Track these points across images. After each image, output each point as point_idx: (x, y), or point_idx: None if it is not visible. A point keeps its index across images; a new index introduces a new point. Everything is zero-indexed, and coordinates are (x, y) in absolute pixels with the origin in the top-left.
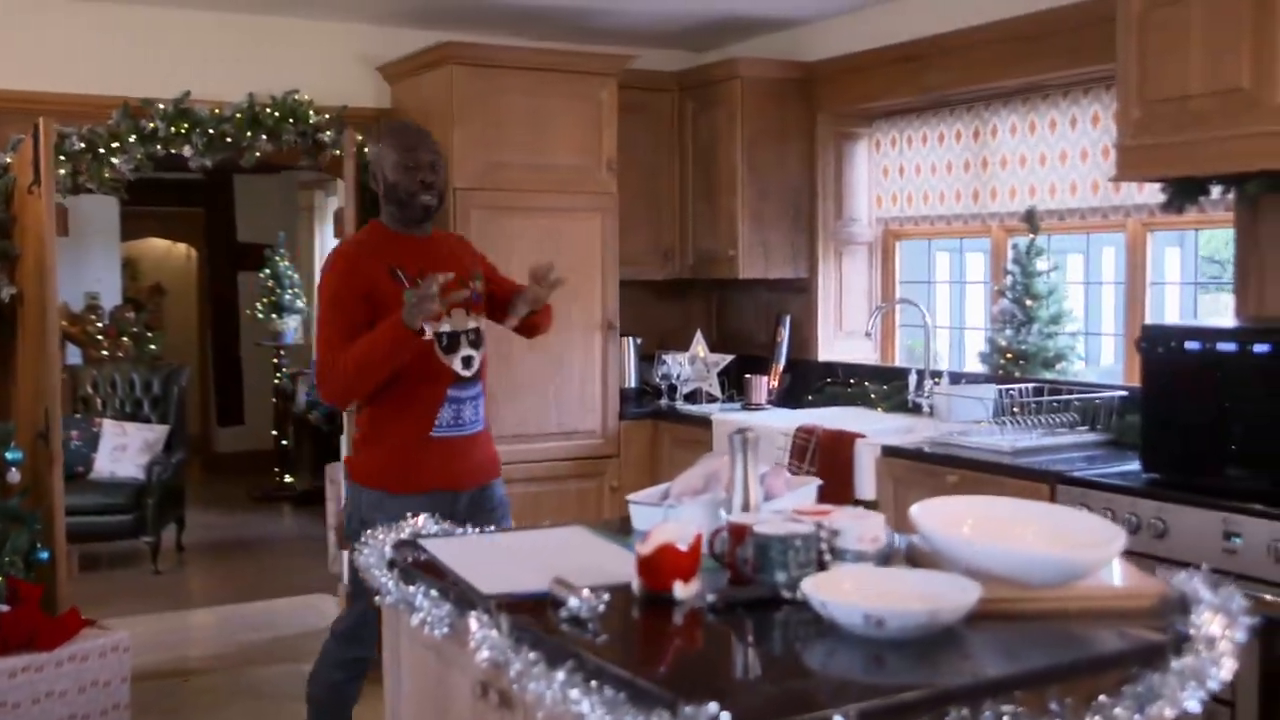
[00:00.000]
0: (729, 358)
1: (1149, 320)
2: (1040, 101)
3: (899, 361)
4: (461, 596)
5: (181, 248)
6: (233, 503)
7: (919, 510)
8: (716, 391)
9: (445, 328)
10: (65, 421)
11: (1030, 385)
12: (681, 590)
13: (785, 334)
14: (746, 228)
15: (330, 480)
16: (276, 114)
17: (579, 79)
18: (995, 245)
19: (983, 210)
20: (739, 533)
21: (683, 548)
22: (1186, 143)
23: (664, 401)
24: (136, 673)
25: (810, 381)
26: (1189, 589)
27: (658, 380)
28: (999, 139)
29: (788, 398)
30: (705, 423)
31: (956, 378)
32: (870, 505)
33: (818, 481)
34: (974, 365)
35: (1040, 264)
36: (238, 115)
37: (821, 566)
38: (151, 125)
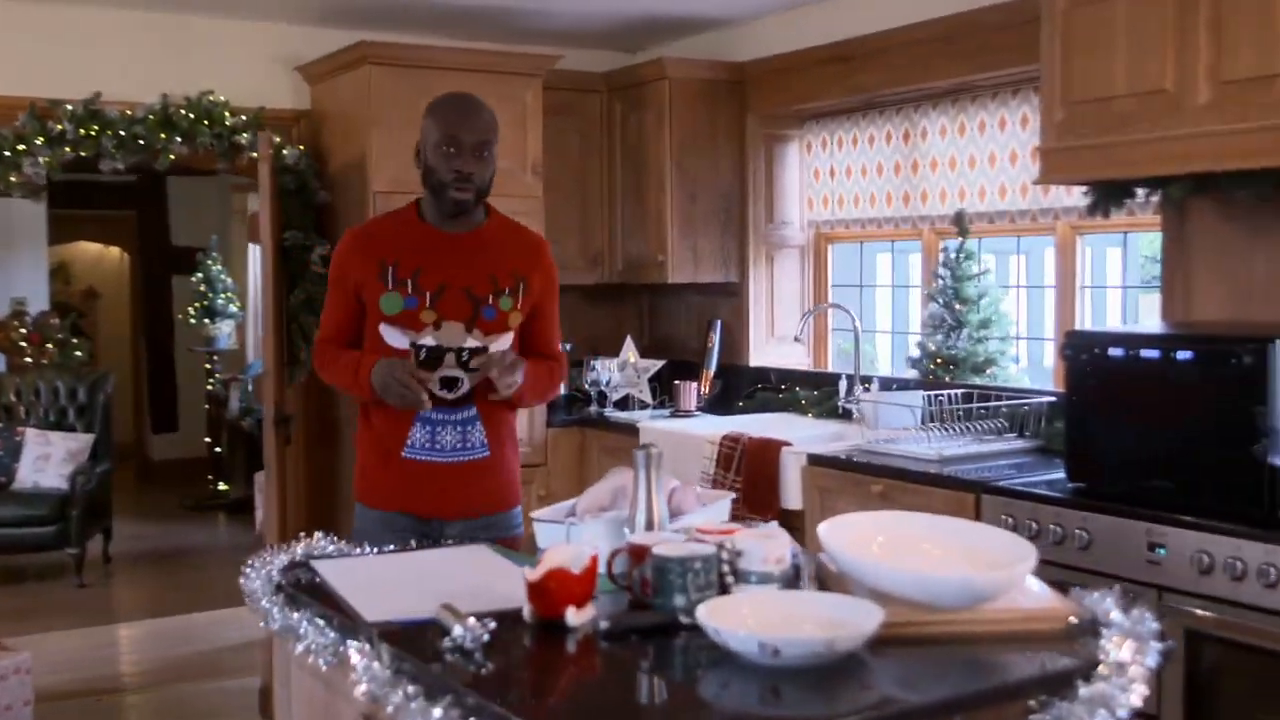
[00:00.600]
0: (659, 363)
1: (1080, 324)
2: (970, 103)
3: (833, 367)
4: (346, 624)
5: (115, 251)
6: (165, 512)
7: (827, 528)
8: (647, 398)
9: (427, 340)
10: None
11: (959, 391)
12: (574, 616)
13: (716, 339)
14: (676, 232)
15: (259, 488)
16: (191, 116)
17: (502, 80)
18: (927, 248)
19: (913, 213)
20: (639, 554)
21: (575, 571)
22: (1110, 145)
23: (593, 408)
24: (49, 693)
25: (742, 387)
26: (1101, 610)
27: (587, 387)
28: (929, 141)
29: (719, 404)
30: (633, 430)
31: (889, 383)
32: (796, 514)
33: (730, 496)
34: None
35: (971, 267)
36: (150, 117)
37: (724, 589)
38: (59, 127)
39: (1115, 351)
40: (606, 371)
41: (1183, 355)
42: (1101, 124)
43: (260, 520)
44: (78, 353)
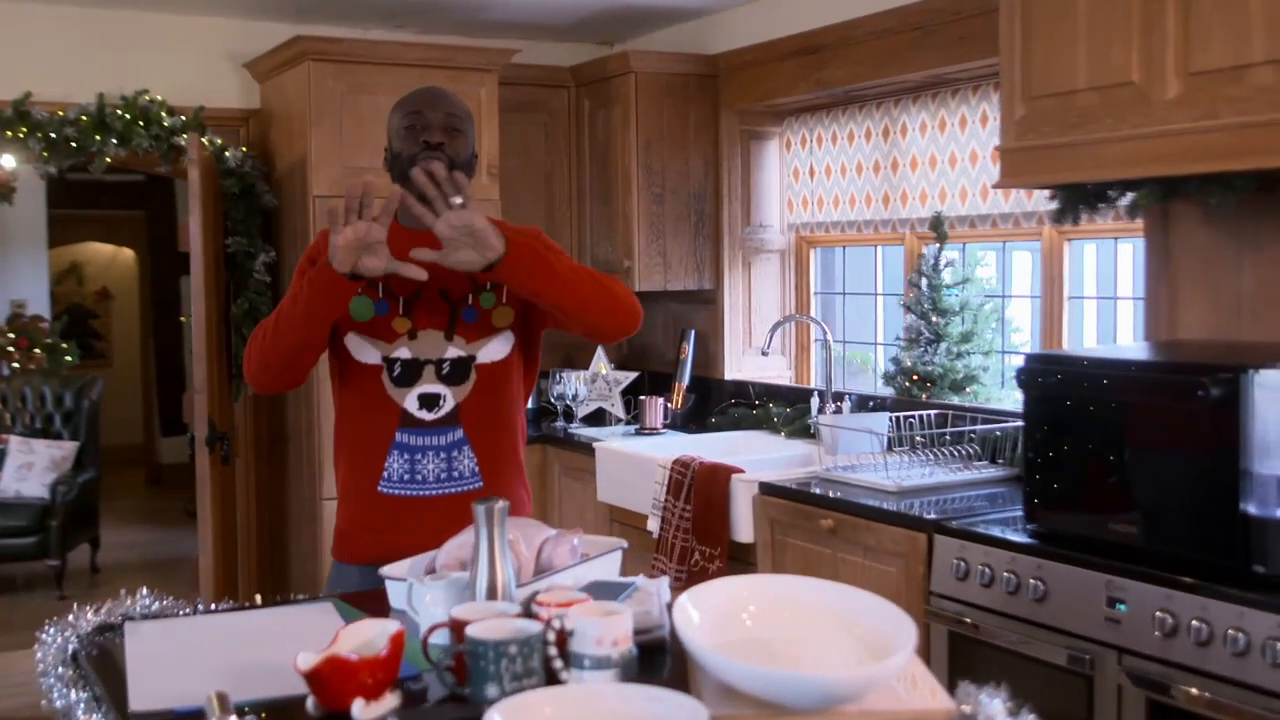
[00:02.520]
0: (633, 375)
1: (1067, 339)
2: (950, 97)
3: (818, 381)
4: (114, 710)
5: (128, 253)
6: (169, 518)
7: (688, 598)
8: (620, 412)
9: (402, 353)
10: None
11: (933, 413)
12: (362, 711)
13: (690, 350)
14: (642, 236)
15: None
16: (127, 116)
17: (454, 75)
18: (909, 254)
19: (894, 216)
20: (460, 630)
21: (365, 655)
22: (1072, 145)
23: (559, 423)
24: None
25: (716, 402)
26: (984, 715)
27: (553, 400)
28: (909, 138)
29: (690, 420)
30: (591, 449)
31: (866, 401)
32: (749, 548)
33: (622, 545)
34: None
35: (948, 276)
36: (83, 118)
37: (551, 677)
38: None
39: (1075, 378)
40: (573, 384)
41: (1145, 385)
42: (1063, 121)
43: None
44: (68, 357)
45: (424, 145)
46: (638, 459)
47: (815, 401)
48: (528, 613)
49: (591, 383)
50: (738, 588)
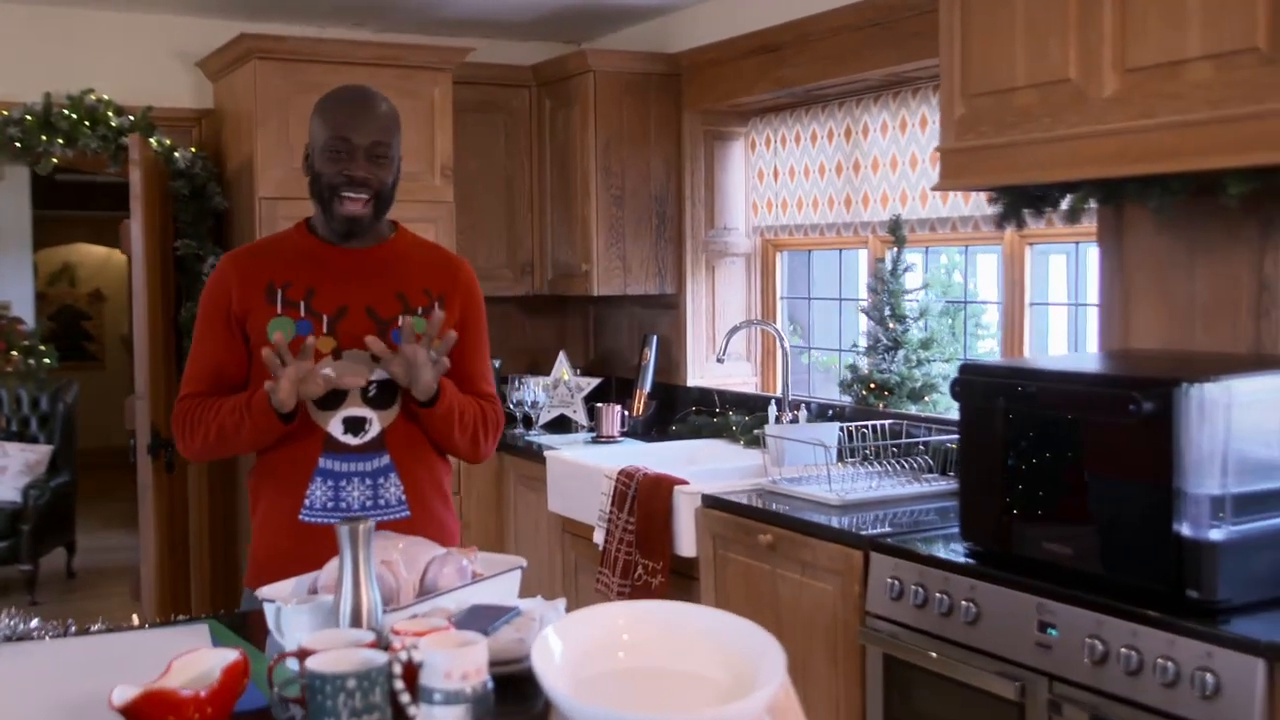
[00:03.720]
0: (595, 381)
1: (1029, 346)
2: (911, 96)
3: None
4: None
5: (122, 254)
6: None
7: (555, 629)
8: (584, 419)
9: (326, 372)
10: None
11: (887, 423)
12: None
13: (652, 356)
14: (601, 240)
15: None
16: (74, 116)
17: (406, 74)
18: (873, 258)
19: (855, 219)
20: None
21: (181, 693)
22: (1010, 145)
23: (519, 430)
24: None
25: (678, 409)
26: None
27: (512, 407)
28: (870, 139)
29: (650, 428)
30: (543, 458)
31: (825, 410)
32: (692, 562)
33: (520, 565)
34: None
35: (909, 280)
36: (28, 117)
37: (399, 712)
38: None
39: (1008, 390)
40: (532, 390)
41: (1077, 399)
42: (1001, 120)
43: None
44: (46, 360)
45: (347, 180)
46: (585, 468)
47: (772, 409)
48: (384, 642)
49: (553, 389)
50: (615, 615)
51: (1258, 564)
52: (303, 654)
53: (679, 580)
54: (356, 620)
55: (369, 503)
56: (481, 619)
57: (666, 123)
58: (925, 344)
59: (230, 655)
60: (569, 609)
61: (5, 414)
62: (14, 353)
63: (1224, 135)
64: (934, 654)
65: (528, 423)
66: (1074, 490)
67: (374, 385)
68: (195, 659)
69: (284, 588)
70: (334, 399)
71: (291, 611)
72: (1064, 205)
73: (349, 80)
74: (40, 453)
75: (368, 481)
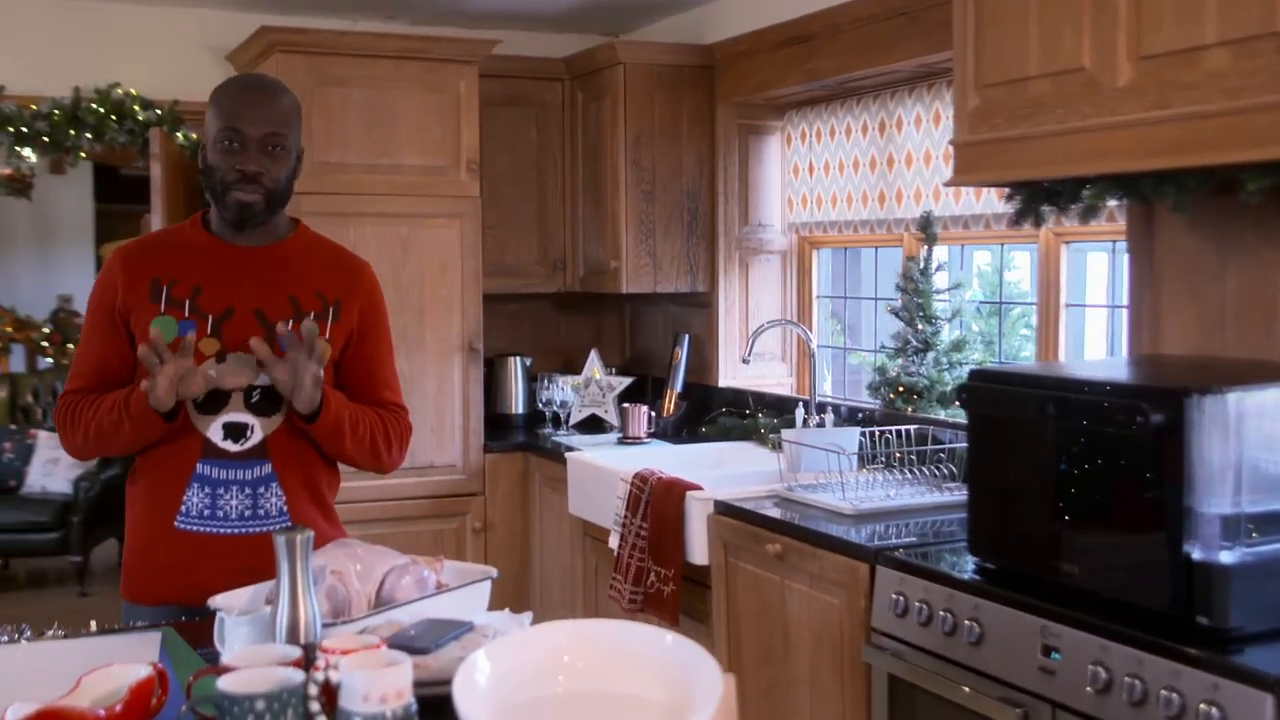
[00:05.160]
0: (626, 381)
1: (1064, 351)
2: (945, 88)
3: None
4: None
5: None
6: None
7: (492, 649)
8: (614, 419)
9: (209, 370)
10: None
11: (912, 428)
12: None
13: (683, 355)
14: (630, 236)
15: None
16: (101, 110)
17: (431, 67)
18: (907, 255)
19: (889, 215)
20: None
21: (83, 712)
22: (1022, 138)
23: (547, 430)
24: None
25: (709, 410)
26: None
27: (541, 406)
28: (904, 132)
29: (679, 429)
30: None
31: (854, 413)
32: (705, 570)
33: (490, 575)
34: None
35: (939, 280)
36: (56, 112)
37: None
38: None
39: (1016, 399)
40: (561, 389)
41: (1085, 409)
42: (1014, 112)
43: None
44: None
45: (240, 175)
46: (602, 471)
47: (799, 412)
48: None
49: (584, 388)
50: (558, 636)
51: (1273, 589)
52: (222, 671)
53: (691, 588)
54: (294, 634)
55: (248, 512)
56: (429, 634)
57: (699, 116)
58: (957, 346)
59: (141, 672)
60: (586, 614)
61: None
62: (70, 345)
63: (1240, 127)
64: (937, 675)
65: (556, 422)
66: (1082, 505)
67: (258, 390)
68: (106, 675)
69: (240, 596)
70: (215, 403)
71: (232, 624)
72: (1079, 202)
73: (374, 72)
74: None
75: (247, 490)
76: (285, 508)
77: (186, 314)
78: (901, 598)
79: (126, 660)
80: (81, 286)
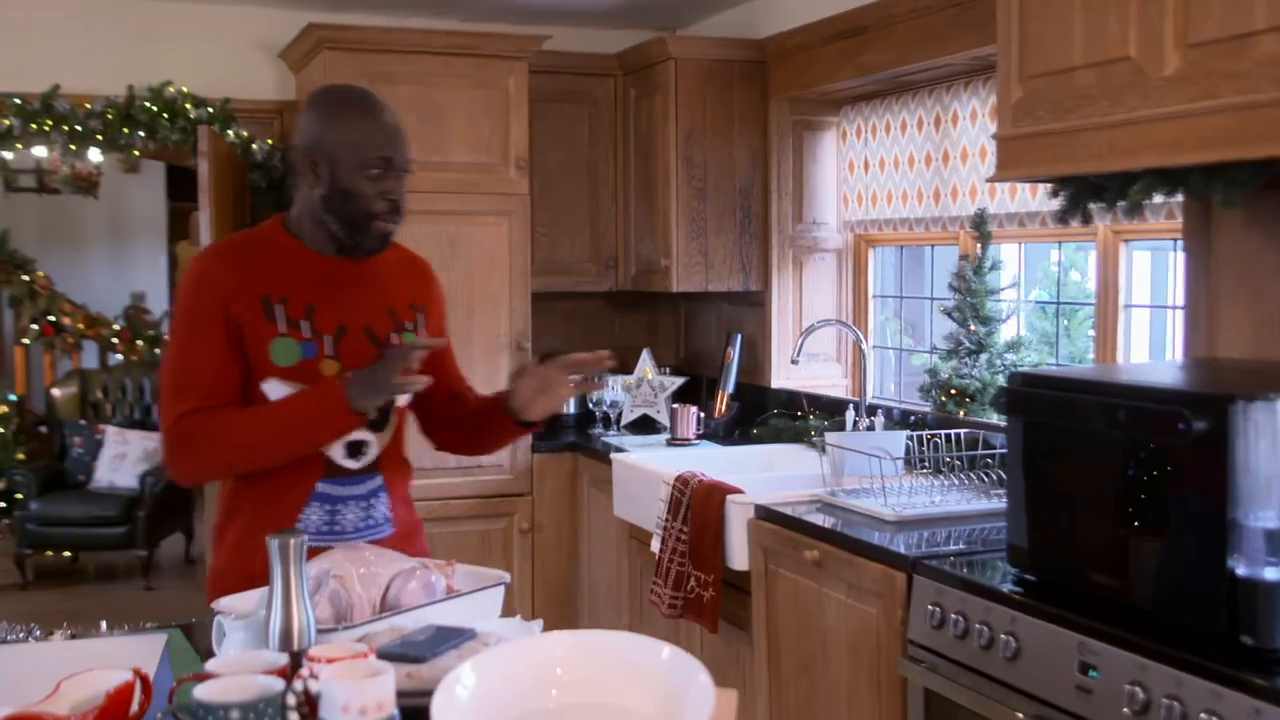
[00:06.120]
0: (678, 381)
1: (1125, 353)
2: None
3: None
4: None
5: None
6: None
7: (481, 661)
8: (665, 420)
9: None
10: (69, 427)
11: (962, 432)
12: None
13: (735, 355)
14: (681, 234)
15: None
16: (154, 108)
17: (480, 63)
18: (964, 254)
19: (944, 213)
20: None
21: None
22: (1066, 131)
23: (598, 430)
24: None
25: (761, 412)
26: None
27: (591, 406)
28: (960, 127)
29: (732, 430)
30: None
31: (908, 415)
32: (746, 575)
33: (503, 580)
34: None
35: (994, 279)
36: (109, 111)
37: None
38: (5, 122)
39: (1059, 403)
40: (612, 389)
41: (1125, 414)
42: (1059, 104)
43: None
44: None
45: (390, 205)
46: (645, 472)
47: (850, 414)
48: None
49: (635, 388)
50: (555, 648)
51: None
52: (202, 678)
53: (731, 593)
54: (287, 641)
55: (361, 524)
56: (428, 643)
57: (752, 112)
58: (1012, 347)
59: (120, 677)
60: (631, 618)
61: (128, 402)
62: (139, 341)
63: None
64: (973, 691)
65: (607, 423)
66: (1123, 516)
67: (375, 409)
68: (86, 680)
69: (248, 599)
70: None
71: (230, 627)
72: (1126, 198)
73: (422, 69)
74: (158, 440)
75: (362, 503)
76: (390, 514)
77: (307, 335)
78: (938, 609)
79: (127, 663)
80: (154, 284)
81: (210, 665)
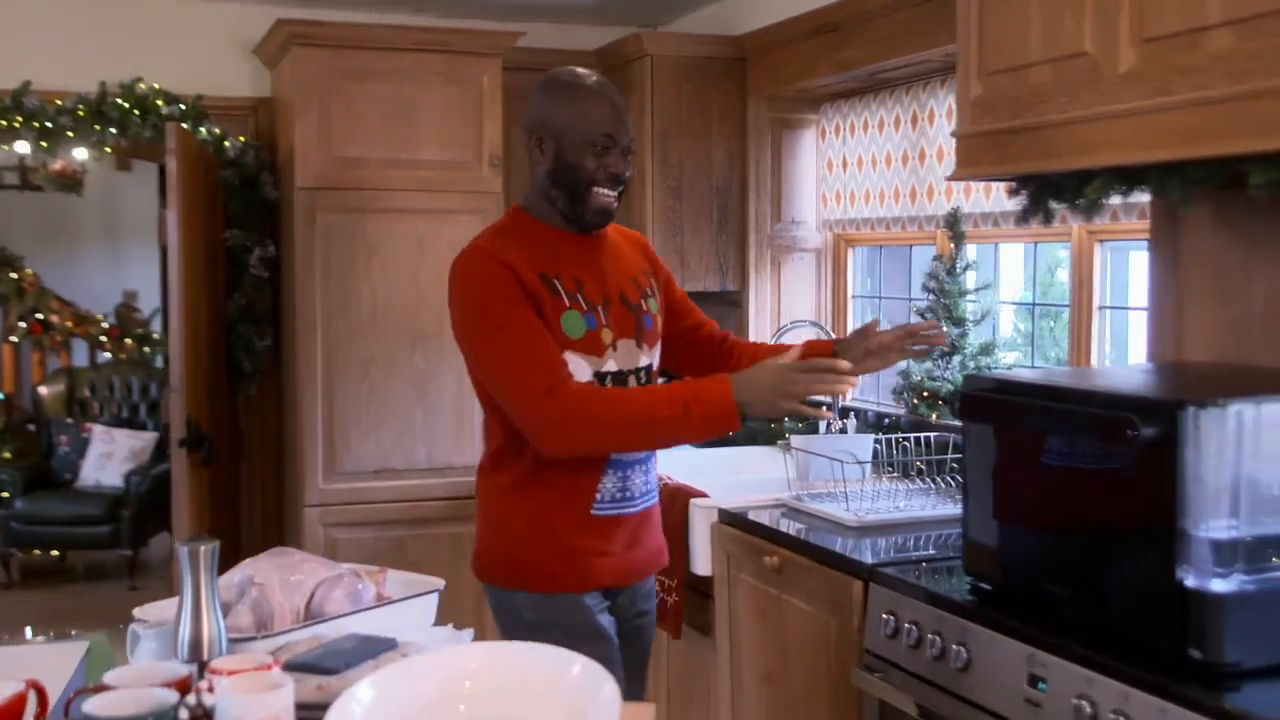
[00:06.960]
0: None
1: (1101, 355)
2: None
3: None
4: None
5: None
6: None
7: (385, 674)
8: None
9: (610, 365)
10: (56, 426)
11: (931, 435)
12: None
13: None
14: (657, 233)
15: None
16: (125, 105)
17: (453, 60)
18: (941, 254)
19: (920, 212)
20: None
21: None
22: (1026, 128)
23: None
24: None
25: None
26: None
27: None
28: (936, 125)
29: None
30: None
31: (880, 418)
32: (709, 581)
33: (437, 587)
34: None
35: (968, 280)
36: (79, 108)
37: None
38: None
39: (1008, 408)
40: None
41: (1074, 420)
42: (1016, 100)
43: None
44: (161, 348)
45: (612, 176)
46: None
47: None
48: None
49: None
50: (466, 660)
51: (1273, 621)
52: (99, 690)
53: (696, 599)
54: (196, 650)
55: (644, 488)
56: (344, 653)
57: (730, 110)
58: (985, 349)
59: (10, 689)
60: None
61: (116, 400)
62: (128, 340)
63: (1244, 115)
64: (927, 703)
65: None
66: (1073, 524)
67: (643, 372)
68: None
69: (150, 610)
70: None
71: (144, 636)
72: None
73: (395, 66)
74: (146, 440)
75: (643, 467)
76: (655, 483)
77: (586, 308)
78: (892, 618)
79: (43, 672)
80: (147, 283)
81: (108, 677)
